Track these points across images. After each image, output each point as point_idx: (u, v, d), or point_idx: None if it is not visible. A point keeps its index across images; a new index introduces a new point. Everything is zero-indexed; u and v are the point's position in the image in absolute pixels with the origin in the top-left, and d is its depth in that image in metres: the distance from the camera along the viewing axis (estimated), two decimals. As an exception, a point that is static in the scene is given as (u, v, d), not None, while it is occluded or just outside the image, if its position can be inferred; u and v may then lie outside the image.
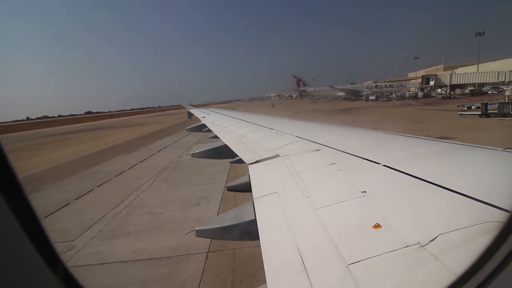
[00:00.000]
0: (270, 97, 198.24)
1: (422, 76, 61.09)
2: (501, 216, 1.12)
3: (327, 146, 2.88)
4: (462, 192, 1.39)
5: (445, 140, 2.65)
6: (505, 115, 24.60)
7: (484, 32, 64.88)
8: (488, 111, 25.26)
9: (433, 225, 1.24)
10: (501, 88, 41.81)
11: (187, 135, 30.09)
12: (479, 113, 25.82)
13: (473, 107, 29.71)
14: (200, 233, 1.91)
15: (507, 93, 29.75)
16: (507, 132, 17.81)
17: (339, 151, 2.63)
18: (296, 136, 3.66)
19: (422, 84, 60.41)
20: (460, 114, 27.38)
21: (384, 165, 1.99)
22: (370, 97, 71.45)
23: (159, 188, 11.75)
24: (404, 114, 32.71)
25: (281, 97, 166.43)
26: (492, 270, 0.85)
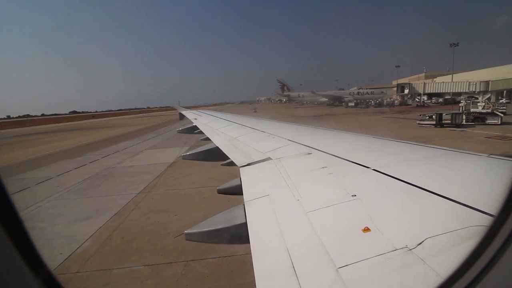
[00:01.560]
0: (260, 100, 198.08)
1: (397, 84, 62.39)
2: (486, 220, 1.13)
3: (319, 150, 2.88)
4: (449, 196, 1.40)
5: (435, 146, 2.68)
6: (458, 125, 25.13)
7: (458, 43, 66.81)
8: (442, 121, 25.74)
9: (421, 229, 1.24)
10: (474, 97, 43.29)
11: (148, 139, 29.50)
12: (434, 123, 26.29)
13: (433, 116, 30.27)
14: (189, 237, 1.86)
15: (461, 104, 30.47)
16: (449, 143, 18.01)
17: (330, 155, 2.63)
18: (288, 140, 3.63)
19: (397, 92, 61.62)
20: (419, 124, 27.80)
21: (374, 170, 2.00)
22: (350, 104, 72.27)
23: (67, 199, 11.16)
24: (368, 122, 33.08)
25: (271, 101, 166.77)
26: (477, 273, 0.86)
